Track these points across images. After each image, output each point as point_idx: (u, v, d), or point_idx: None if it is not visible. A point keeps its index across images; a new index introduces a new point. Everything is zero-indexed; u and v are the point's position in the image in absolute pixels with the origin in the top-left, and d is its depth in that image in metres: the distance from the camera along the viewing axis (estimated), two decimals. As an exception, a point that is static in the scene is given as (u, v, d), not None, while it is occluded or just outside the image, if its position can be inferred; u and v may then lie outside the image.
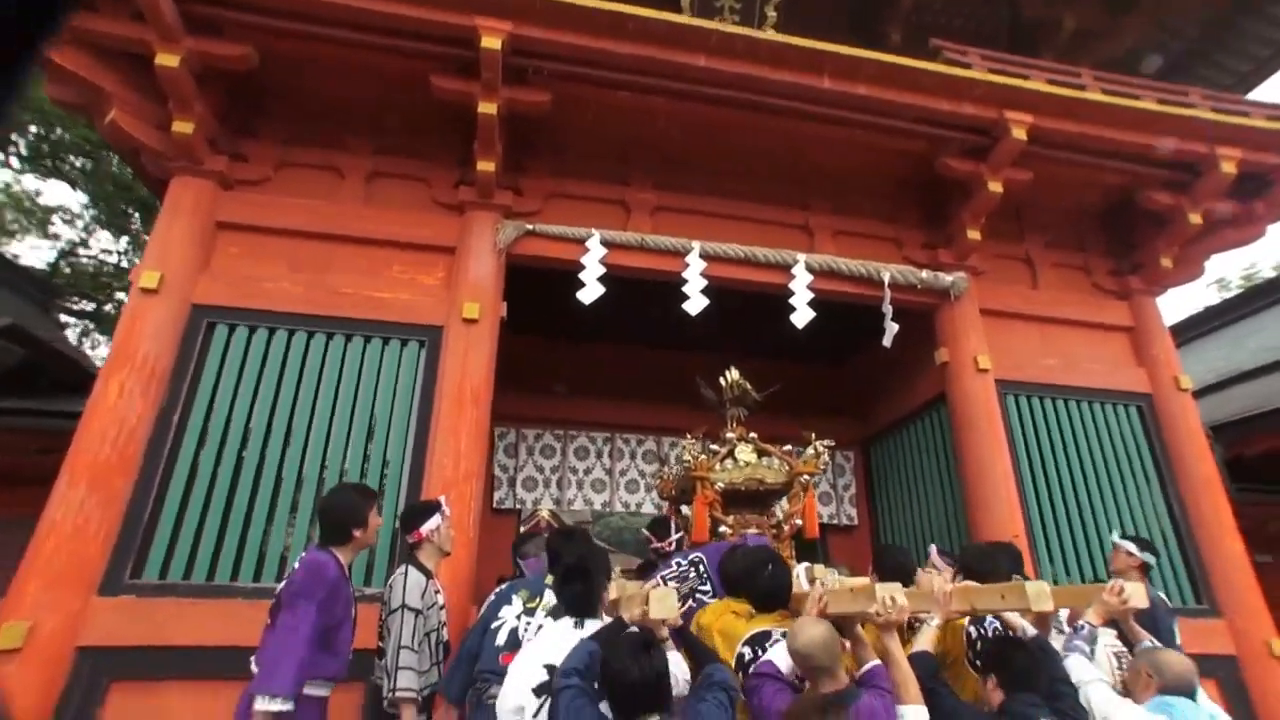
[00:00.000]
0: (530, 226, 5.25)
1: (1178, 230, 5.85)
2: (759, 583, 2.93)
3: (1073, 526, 5.53)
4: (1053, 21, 6.54)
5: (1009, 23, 6.52)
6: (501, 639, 3.18)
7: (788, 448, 4.72)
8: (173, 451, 4.29)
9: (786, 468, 4.54)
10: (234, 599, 4.05)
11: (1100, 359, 6.09)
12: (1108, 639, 3.05)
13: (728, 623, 2.89)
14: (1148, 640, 3.00)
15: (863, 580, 3.80)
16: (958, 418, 5.66)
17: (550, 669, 2.47)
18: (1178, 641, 3.74)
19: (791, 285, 5.43)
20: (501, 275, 5.18)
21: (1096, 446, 5.83)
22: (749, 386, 4.84)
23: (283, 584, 2.99)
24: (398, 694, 3.08)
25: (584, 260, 5.19)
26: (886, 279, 5.60)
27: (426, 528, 3.55)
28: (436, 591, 3.53)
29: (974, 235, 5.66)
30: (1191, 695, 2.59)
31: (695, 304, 5.25)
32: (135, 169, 5.36)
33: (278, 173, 5.09)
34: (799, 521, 4.39)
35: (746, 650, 2.69)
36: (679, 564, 3.58)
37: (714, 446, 4.54)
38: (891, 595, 2.43)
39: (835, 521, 7.43)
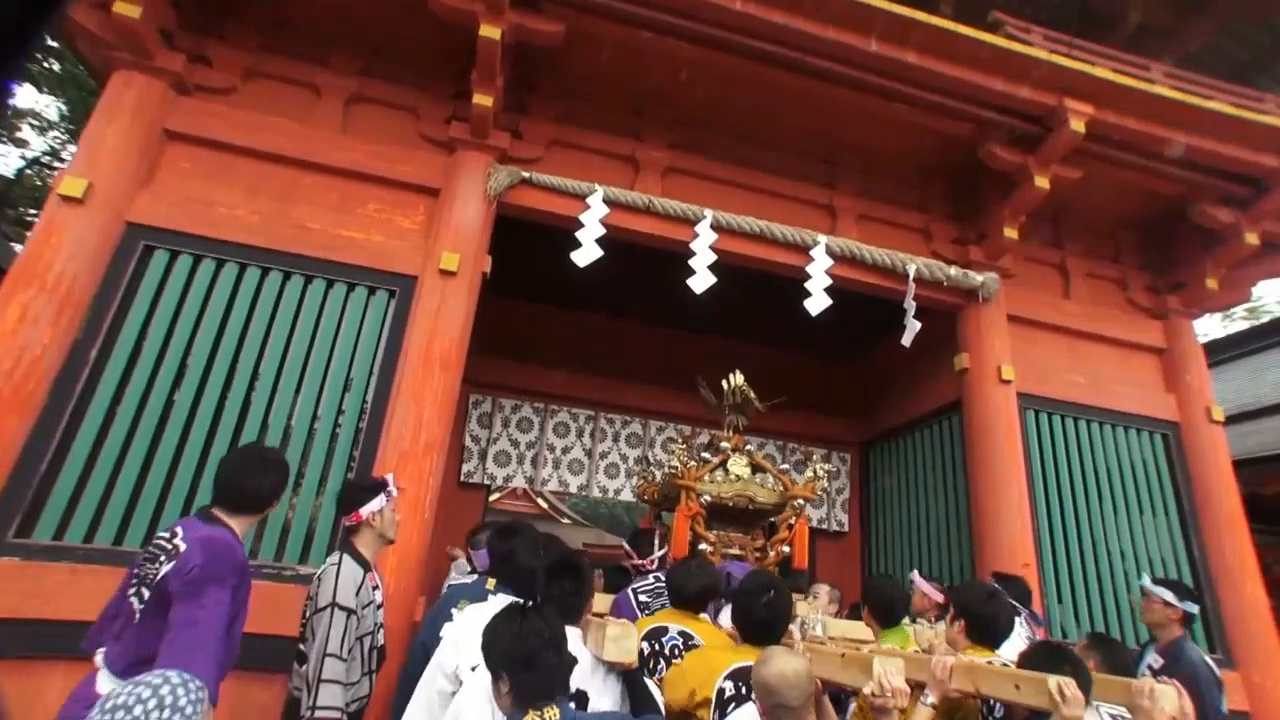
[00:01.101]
0: (527, 174, 4.68)
1: (1229, 250, 5.40)
2: (750, 607, 2.56)
3: (1084, 560, 5.13)
4: (1117, 13, 5.99)
5: (1067, 7, 5.96)
6: None
7: (784, 467, 4.39)
8: (86, 390, 3.70)
9: (781, 488, 4.20)
10: None
11: (1129, 381, 5.66)
12: None
13: (710, 656, 2.56)
14: None
15: (855, 626, 3.59)
16: (973, 430, 5.20)
17: None
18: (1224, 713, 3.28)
19: (809, 269, 4.92)
20: (489, 226, 4.61)
21: (1117, 474, 5.42)
22: (752, 395, 4.44)
23: (168, 568, 2.36)
24: (317, 713, 2.54)
25: (583, 218, 4.64)
26: (912, 272, 5.10)
27: (368, 509, 2.99)
28: (374, 587, 2.98)
29: (1010, 234, 5.17)
30: None
31: (701, 280, 4.72)
32: (82, 62, 4.70)
33: (245, 83, 4.46)
34: (786, 549, 4.04)
35: (728, 685, 2.36)
36: (657, 577, 3.31)
37: (705, 454, 4.18)
38: (889, 674, 2.02)
39: (825, 526, 7.01)
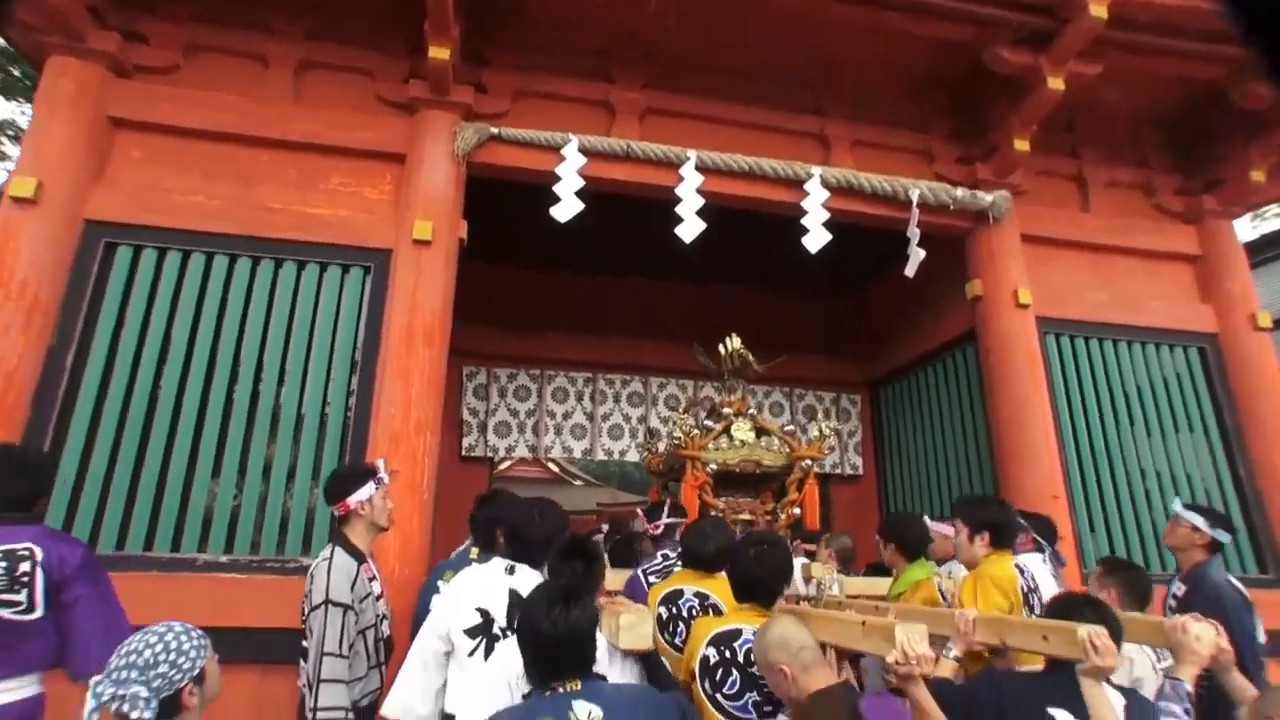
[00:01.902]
0: (495, 130, 4.42)
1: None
2: (738, 564, 2.48)
3: (1117, 487, 4.90)
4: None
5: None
6: None
7: (789, 428, 4.35)
8: (68, 398, 3.62)
9: (787, 450, 4.11)
10: (148, 571, 3.48)
11: (1158, 294, 5.31)
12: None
13: (700, 625, 2.50)
14: (1252, 690, 2.29)
15: (873, 583, 3.60)
16: (990, 360, 4.93)
17: (483, 613, 2.38)
18: (1261, 640, 3.04)
19: (804, 204, 4.62)
20: (461, 189, 4.38)
21: (1149, 395, 5.14)
22: (750, 358, 4.32)
23: (41, 574, 2.38)
24: (320, 714, 2.46)
25: (559, 171, 4.38)
26: (915, 197, 4.77)
27: (356, 498, 2.87)
28: (371, 579, 2.88)
29: (1021, 146, 4.78)
30: None
31: (690, 228, 4.45)
32: (16, 51, 4.49)
33: (187, 60, 4.22)
34: (798, 511, 4.00)
35: (711, 652, 2.29)
36: (665, 556, 3.25)
37: (708, 421, 4.08)
38: (913, 642, 1.90)
39: (839, 471, 6.84)
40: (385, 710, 2.53)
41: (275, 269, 4.09)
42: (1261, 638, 3.09)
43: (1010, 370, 4.79)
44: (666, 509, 3.78)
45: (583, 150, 4.43)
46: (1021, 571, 2.76)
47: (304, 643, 2.70)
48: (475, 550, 3.23)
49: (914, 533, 3.51)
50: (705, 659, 2.30)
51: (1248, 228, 13.96)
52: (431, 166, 4.28)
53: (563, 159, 4.41)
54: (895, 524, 3.72)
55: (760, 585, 2.39)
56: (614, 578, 3.37)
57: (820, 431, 4.13)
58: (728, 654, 2.28)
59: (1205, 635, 2.17)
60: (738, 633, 2.31)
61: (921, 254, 4.69)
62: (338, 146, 4.25)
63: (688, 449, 3.93)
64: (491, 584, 2.48)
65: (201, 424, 3.79)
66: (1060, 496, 4.56)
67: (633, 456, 6.39)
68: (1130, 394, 5.09)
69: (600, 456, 6.42)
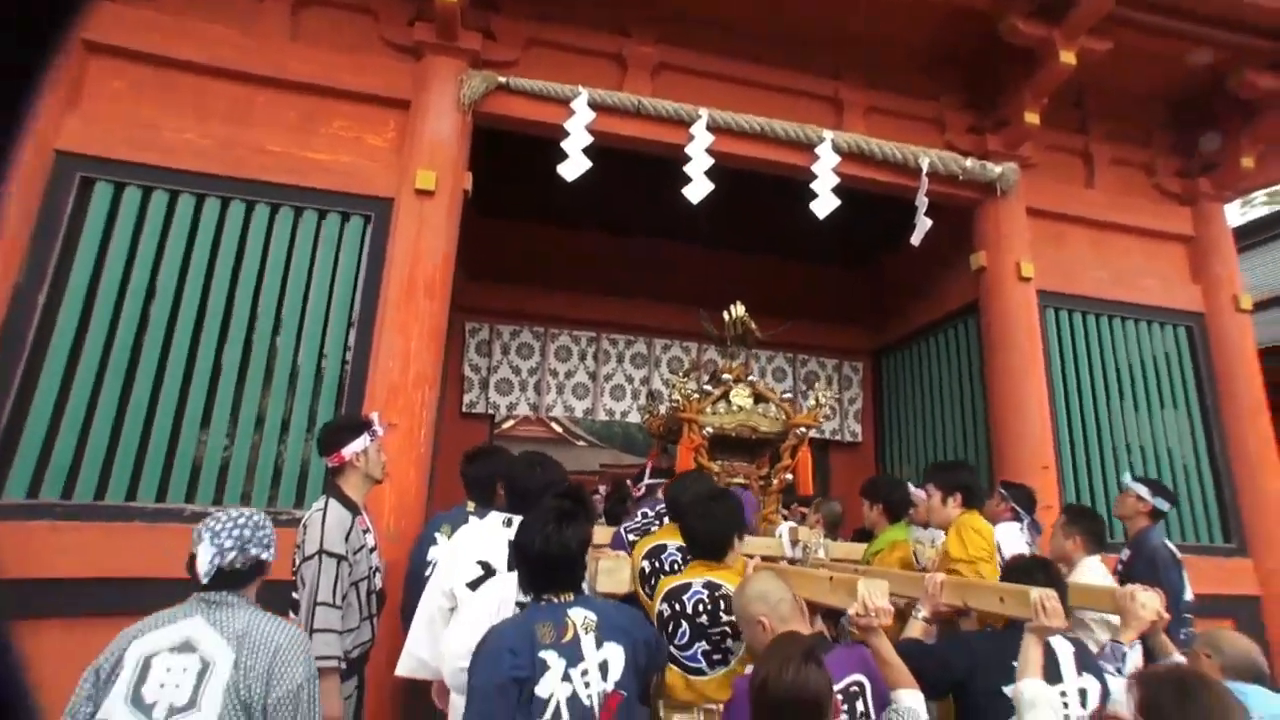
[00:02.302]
0: (503, 79, 4.27)
1: (1271, 121, 5.03)
2: (685, 520, 2.56)
3: (1104, 459, 5.00)
4: None
5: None
6: None
7: (787, 395, 4.37)
8: (40, 339, 3.43)
9: (783, 417, 4.14)
10: (131, 521, 3.35)
11: (1153, 272, 5.39)
12: (1137, 657, 2.45)
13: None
14: (1177, 655, 2.44)
15: (856, 549, 3.78)
16: (991, 332, 4.96)
17: (484, 565, 2.42)
18: (1188, 597, 3.45)
19: (814, 168, 4.56)
20: (466, 139, 4.24)
21: (1139, 370, 5.24)
22: (753, 325, 4.33)
23: None
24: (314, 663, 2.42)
25: (568, 126, 4.26)
26: (925, 166, 4.74)
27: (350, 450, 2.81)
28: (365, 531, 2.82)
29: (1031, 119, 4.77)
30: (1262, 681, 2.24)
31: (698, 188, 4.37)
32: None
33: (176, -15, 3.99)
34: (790, 476, 4.05)
35: (664, 607, 2.42)
36: (645, 514, 3.33)
37: (708, 386, 4.11)
38: (873, 596, 2.01)
39: (838, 438, 6.86)
40: (399, 670, 2.52)
41: (271, 215, 3.93)
42: (1189, 595, 3.50)
43: (1010, 342, 4.82)
44: (648, 471, 3.83)
45: (592, 104, 4.31)
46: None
47: (294, 594, 2.64)
48: (471, 504, 3.22)
49: (896, 495, 3.69)
50: (660, 614, 2.40)
51: (1237, 213, 14.30)
52: (437, 115, 4.13)
53: (572, 113, 4.28)
54: (879, 486, 3.89)
55: (707, 539, 2.46)
56: (600, 534, 3.43)
57: (817, 400, 4.16)
58: (678, 607, 2.36)
59: (1150, 603, 2.35)
60: (687, 586, 2.39)
61: (928, 223, 4.67)
62: (339, 89, 4.08)
63: (686, 412, 3.94)
64: (490, 537, 2.51)
65: (190, 372, 3.64)
66: (1050, 467, 4.64)
67: (634, 418, 6.34)
68: (1121, 370, 5.18)
69: (602, 417, 6.35)
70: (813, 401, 4.20)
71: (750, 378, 4.38)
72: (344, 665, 2.53)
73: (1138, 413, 5.17)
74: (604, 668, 1.86)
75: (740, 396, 4.13)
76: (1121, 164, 5.53)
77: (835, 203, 4.51)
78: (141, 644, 1.84)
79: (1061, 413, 4.94)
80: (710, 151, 4.40)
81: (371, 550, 2.85)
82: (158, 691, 1.78)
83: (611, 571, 2.35)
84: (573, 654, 1.83)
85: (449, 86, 4.17)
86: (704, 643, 2.32)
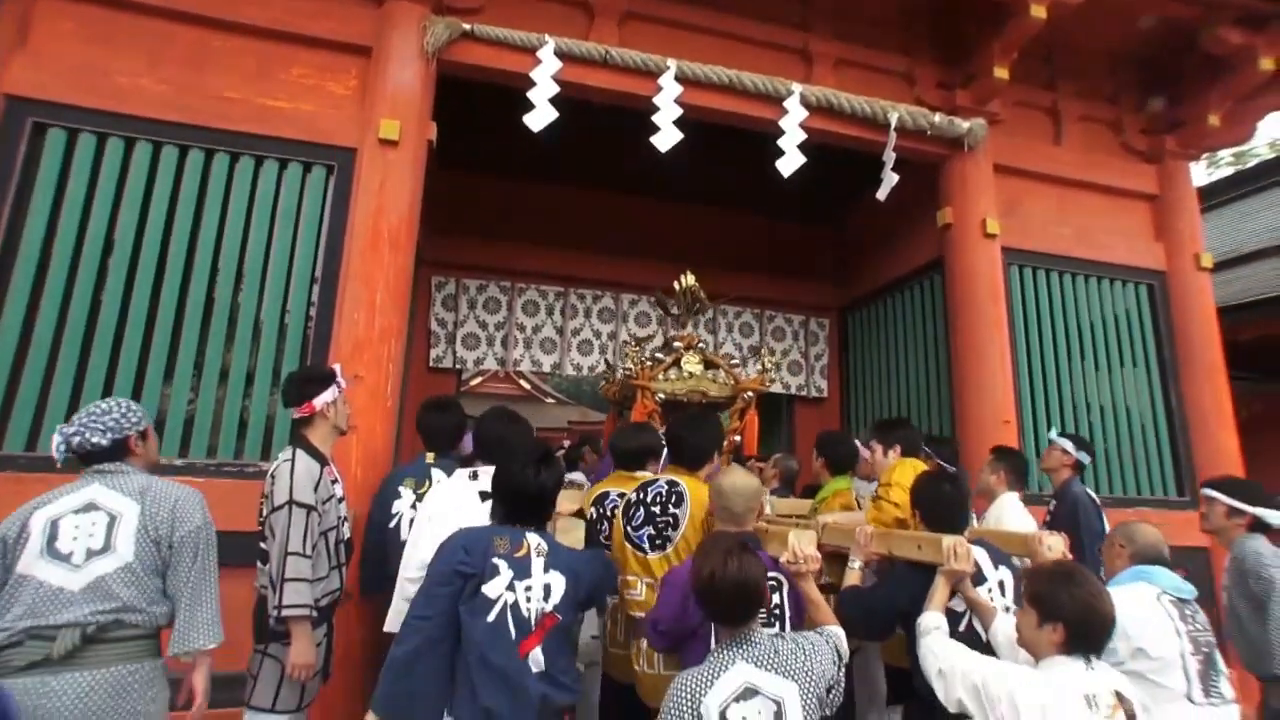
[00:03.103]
0: (467, 26, 4.19)
1: (1239, 79, 5.04)
2: (619, 442, 3.09)
3: (1064, 415, 5.11)
4: None
5: None
6: (405, 533, 2.99)
7: (734, 362, 4.58)
8: (-5, 287, 3.37)
9: (732, 382, 4.33)
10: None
11: (1117, 230, 5.45)
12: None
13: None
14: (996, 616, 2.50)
15: (800, 504, 4.02)
16: (955, 288, 5.02)
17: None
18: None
19: (782, 122, 4.54)
20: (430, 88, 4.16)
21: (1100, 328, 5.33)
22: (703, 295, 4.55)
23: None
24: (284, 611, 2.47)
25: (534, 75, 4.20)
26: (894, 121, 4.73)
27: (321, 400, 2.82)
28: (334, 481, 2.85)
29: (1000, 74, 4.77)
30: (1164, 564, 2.55)
31: (666, 137, 4.34)
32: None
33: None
34: (738, 439, 4.24)
35: (593, 510, 3.03)
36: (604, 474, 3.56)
37: (659, 354, 4.27)
38: (801, 545, 2.31)
39: (804, 393, 6.93)
40: (388, 626, 2.61)
41: (231, 164, 3.86)
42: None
43: (973, 299, 4.88)
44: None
45: (559, 53, 4.25)
46: None
47: (262, 544, 2.67)
48: (431, 455, 3.33)
49: (843, 449, 3.91)
50: (629, 500, 2.83)
51: (1203, 174, 14.44)
52: (400, 62, 4.05)
53: (538, 62, 4.22)
54: (826, 441, 4.08)
55: (693, 449, 2.90)
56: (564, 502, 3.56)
57: (764, 365, 4.36)
58: (641, 495, 2.80)
59: (1056, 545, 2.52)
60: (655, 481, 2.84)
61: (895, 178, 4.69)
62: (299, 35, 3.98)
63: (638, 379, 4.08)
64: (462, 498, 2.64)
65: (152, 325, 3.61)
66: (1011, 422, 4.74)
67: (603, 371, 6.36)
68: (1084, 327, 5.27)
69: (569, 372, 6.36)
70: (760, 365, 4.40)
71: (700, 344, 4.51)
72: (315, 613, 2.58)
73: (1098, 370, 5.28)
74: (546, 590, 2.08)
75: (691, 363, 4.29)
76: (1089, 121, 5.55)
77: (801, 160, 4.50)
78: (45, 511, 2.06)
79: (1023, 368, 5.03)
80: (679, 102, 4.37)
81: (340, 500, 2.88)
82: (71, 543, 2.03)
83: (568, 531, 2.57)
84: (521, 569, 2.06)
85: (412, 33, 4.08)
86: (650, 527, 2.70)
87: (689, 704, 1.79)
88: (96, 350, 3.51)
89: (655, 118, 4.34)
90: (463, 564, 2.02)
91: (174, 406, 3.61)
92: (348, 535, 2.95)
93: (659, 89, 4.37)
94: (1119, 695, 1.80)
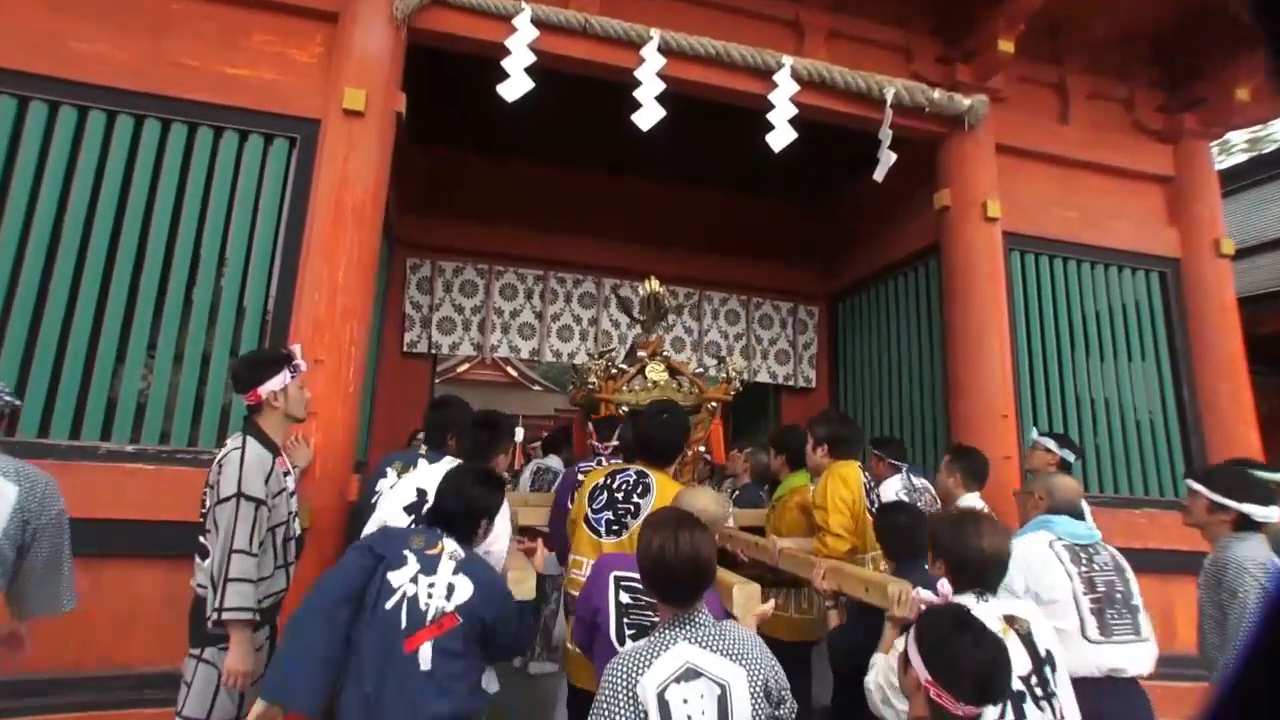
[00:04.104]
0: (439, -9, 3.98)
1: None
2: (643, 430, 2.92)
3: (1066, 409, 4.88)
4: None
5: None
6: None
7: (698, 370, 4.59)
8: (-62, 263, 3.23)
9: (696, 391, 4.23)
10: (44, 459, 3.10)
11: (1127, 214, 5.18)
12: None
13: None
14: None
15: (756, 514, 4.12)
16: (953, 275, 4.78)
17: (420, 491, 2.69)
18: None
19: (772, 97, 4.32)
20: (399, 56, 3.98)
21: (1106, 318, 5.08)
22: (668, 302, 4.51)
23: None
24: (225, 614, 2.29)
25: (509, 44, 3.99)
26: (890, 97, 4.49)
27: (269, 388, 2.64)
28: (286, 473, 2.67)
29: (1005, 48, 4.50)
30: (1078, 517, 2.73)
31: (649, 114, 4.13)
32: None
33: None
34: (704, 449, 4.16)
35: (601, 481, 2.91)
36: (599, 461, 3.53)
37: (622, 365, 4.22)
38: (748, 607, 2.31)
39: (791, 383, 6.73)
40: None
41: (189, 135, 3.69)
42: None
43: (972, 286, 4.65)
44: (620, 428, 3.78)
45: (536, 21, 4.04)
46: (865, 477, 3.30)
47: (203, 539, 2.50)
48: (424, 447, 3.34)
49: (796, 444, 3.82)
50: (595, 486, 2.84)
51: (1216, 159, 14.02)
52: (366, 29, 3.85)
53: (514, 30, 4.01)
54: (783, 436, 4.11)
55: (661, 445, 2.89)
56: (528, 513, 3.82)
57: (728, 374, 4.29)
58: (608, 480, 2.82)
59: (906, 598, 2.27)
60: (625, 469, 2.88)
61: (893, 157, 4.45)
62: (260, -1, 3.80)
63: (603, 393, 4.00)
64: (435, 473, 2.63)
65: (104, 303, 3.46)
66: (1010, 416, 4.51)
67: (582, 359, 6.13)
68: (1089, 317, 5.02)
69: (548, 358, 6.17)
70: (724, 375, 4.31)
71: (666, 352, 4.40)
72: (257, 616, 2.40)
73: (1104, 362, 5.03)
74: (450, 590, 2.07)
75: (655, 372, 4.18)
76: (1099, 98, 5.26)
77: (792, 135, 4.29)
78: None
79: (1024, 361, 4.79)
80: (662, 76, 4.15)
81: (291, 494, 2.71)
82: None
83: (519, 583, 2.42)
84: (429, 566, 2.09)
85: (381, -1, 3.89)
86: (610, 512, 2.72)
87: (624, 684, 1.66)
88: (45, 329, 3.35)
89: (637, 93, 4.13)
90: (378, 544, 2.15)
91: (125, 390, 3.46)
92: (298, 532, 2.78)
93: (641, 61, 4.15)
94: (1007, 618, 1.91)
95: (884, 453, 3.81)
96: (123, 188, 3.56)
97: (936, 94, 4.59)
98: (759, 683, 1.71)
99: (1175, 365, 5.09)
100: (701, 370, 6.21)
